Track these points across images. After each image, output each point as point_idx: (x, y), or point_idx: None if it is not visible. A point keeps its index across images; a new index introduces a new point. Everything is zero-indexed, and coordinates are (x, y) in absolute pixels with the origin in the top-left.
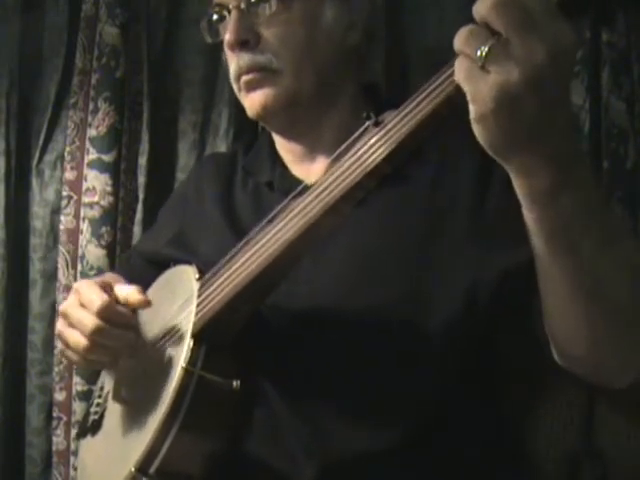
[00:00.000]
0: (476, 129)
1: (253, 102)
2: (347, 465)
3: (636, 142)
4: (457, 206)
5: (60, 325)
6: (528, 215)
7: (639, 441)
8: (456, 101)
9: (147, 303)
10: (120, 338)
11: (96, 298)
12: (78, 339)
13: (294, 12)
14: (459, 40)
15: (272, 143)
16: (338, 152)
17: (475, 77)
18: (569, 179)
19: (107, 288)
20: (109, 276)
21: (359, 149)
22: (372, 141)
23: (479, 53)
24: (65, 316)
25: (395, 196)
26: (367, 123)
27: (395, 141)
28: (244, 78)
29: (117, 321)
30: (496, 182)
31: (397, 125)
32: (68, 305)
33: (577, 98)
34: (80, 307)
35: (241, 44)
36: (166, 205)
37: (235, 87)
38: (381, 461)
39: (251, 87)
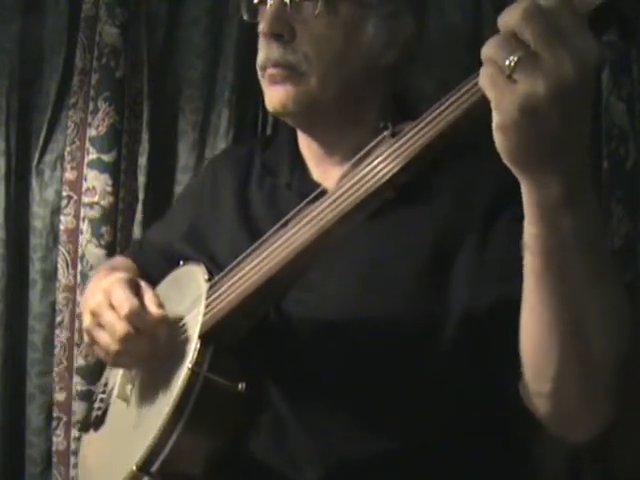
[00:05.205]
0: (497, 137)
1: (272, 97)
2: (348, 472)
3: (636, 142)
4: (469, 230)
5: (89, 322)
6: (530, 231)
7: (639, 441)
8: (476, 115)
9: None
10: (147, 346)
11: (126, 302)
12: (108, 342)
13: (337, 19)
14: (488, 48)
15: (293, 140)
16: (354, 161)
17: (501, 85)
18: (576, 196)
19: (136, 287)
20: (121, 263)
21: (374, 159)
22: (387, 152)
23: (508, 62)
24: (95, 315)
25: (413, 211)
26: (384, 133)
27: (410, 154)
28: (269, 71)
29: (145, 329)
30: (504, 219)
31: (413, 137)
32: (97, 305)
33: None
34: (110, 308)
35: (274, 36)
36: (181, 196)
37: (259, 74)
38: (382, 468)
39: (274, 81)
